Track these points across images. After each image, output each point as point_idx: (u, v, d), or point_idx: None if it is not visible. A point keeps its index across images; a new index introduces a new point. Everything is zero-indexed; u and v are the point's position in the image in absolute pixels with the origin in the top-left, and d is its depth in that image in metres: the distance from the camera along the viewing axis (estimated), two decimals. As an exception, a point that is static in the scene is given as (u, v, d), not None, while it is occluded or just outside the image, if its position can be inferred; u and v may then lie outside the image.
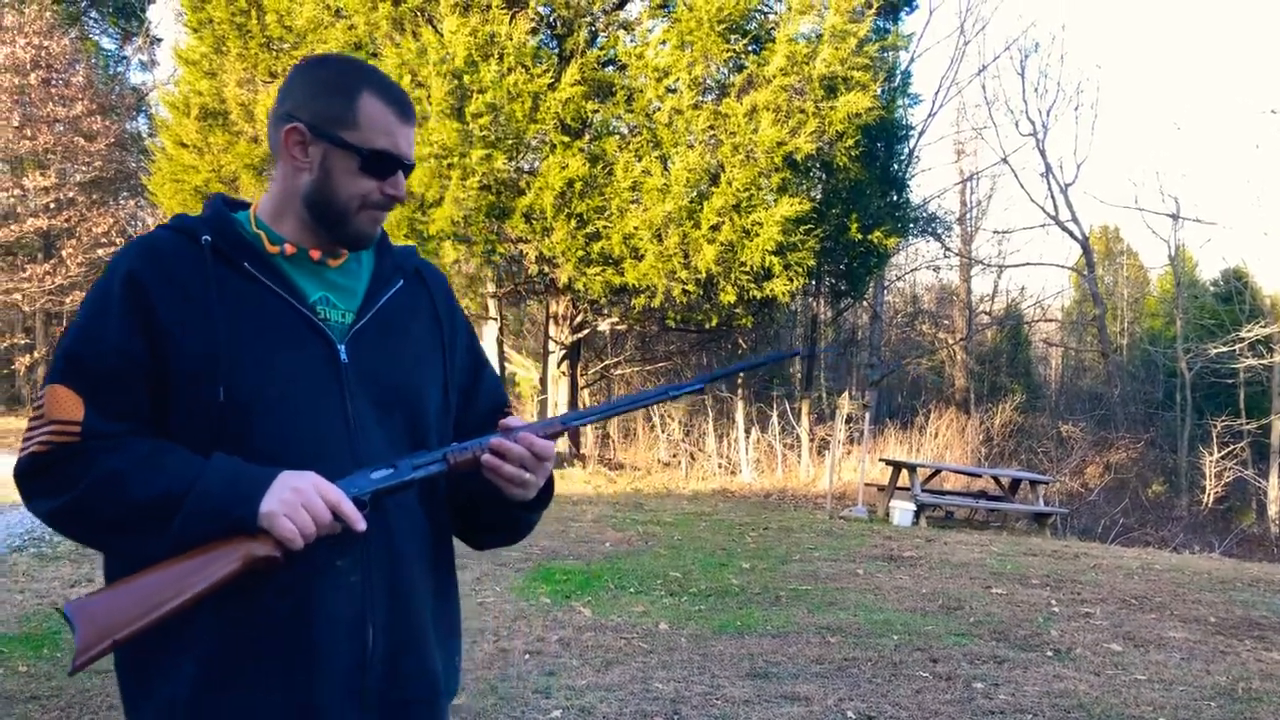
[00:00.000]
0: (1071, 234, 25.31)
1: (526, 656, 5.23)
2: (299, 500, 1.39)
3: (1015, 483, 13.62)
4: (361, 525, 1.43)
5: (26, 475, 1.44)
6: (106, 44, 27.95)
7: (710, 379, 1.76)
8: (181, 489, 1.38)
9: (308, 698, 1.45)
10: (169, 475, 1.39)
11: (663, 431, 17.21)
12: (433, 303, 1.72)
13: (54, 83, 21.52)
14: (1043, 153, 25.03)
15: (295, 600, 1.45)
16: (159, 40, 27.89)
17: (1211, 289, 29.41)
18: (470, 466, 1.54)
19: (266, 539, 1.39)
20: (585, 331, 15.77)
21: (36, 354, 21.81)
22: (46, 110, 21.12)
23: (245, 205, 1.63)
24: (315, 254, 1.58)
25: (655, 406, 17.74)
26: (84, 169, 22.30)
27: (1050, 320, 31.26)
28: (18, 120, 20.67)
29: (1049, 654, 5.72)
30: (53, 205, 21.20)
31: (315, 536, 1.41)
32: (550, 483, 1.68)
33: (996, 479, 13.86)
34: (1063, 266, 29.82)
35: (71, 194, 21.60)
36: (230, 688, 1.44)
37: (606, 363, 18.71)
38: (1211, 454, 21.16)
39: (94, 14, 27.36)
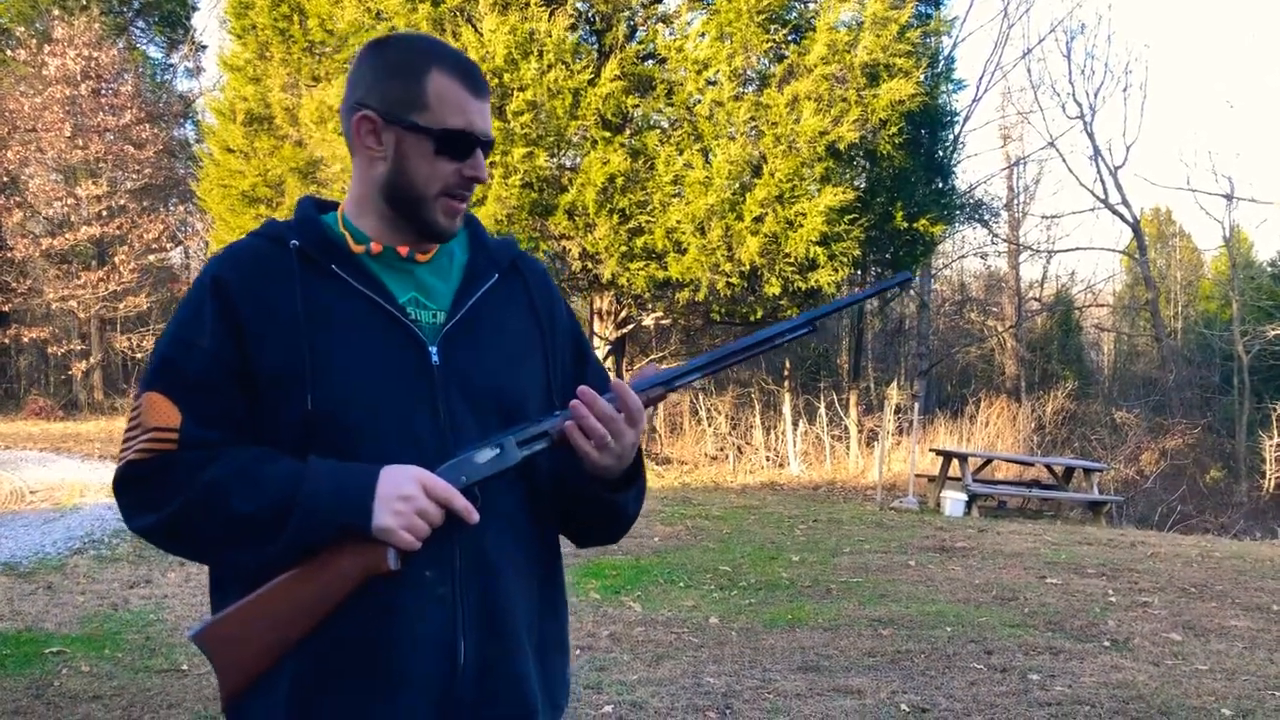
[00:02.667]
0: (1122, 217, 24.90)
1: (577, 652, 5.23)
2: (412, 509, 1.37)
3: (1069, 471, 13.42)
4: (475, 517, 1.40)
5: (126, 483, 1.43)
6: (153, 53, 28.41)
7: (818, 315, 1.62)
8: (285, 500, 1.35)
9: (394, 714, 1.41)
10: (271, 485, 1.37)
11: (709, 425, 17.17)
12: (530, 297, 1.63)
13: (104, 92, 21.93)
14: (1091, 135, 24.68)
15: (383, 614, 1.41)
16: (204, 47, 28.33)
17: (1269, 269, 28.74)
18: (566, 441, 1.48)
19: (380, 547, 1.37)
20: (630, 327, 15.77)
21: (92, 359, 22.21)
22: (97, 120, 21.53)
23: (334, 206, 1.59)
24: (403, 250, 1.53)
25: (701, 400, 17.74)
26: (134, 176, 22.70)
27: (1101, 305, 30.77)
28: (69, 130, 21.08)
29: (1106, 644, 5.63)
30: (105, 213, 21.62)
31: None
32: (640, 463, 1.58)
33: (1050, 467, 13.67)
34: (1113, 250, 29.37)
35: (122, 201, 22.01)
36: (320, 703, 1.41)
37: (652, 357, 18.69)
38: (1271, 438, 20.68)
39: (140, 24, 27.79)
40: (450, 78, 1.47)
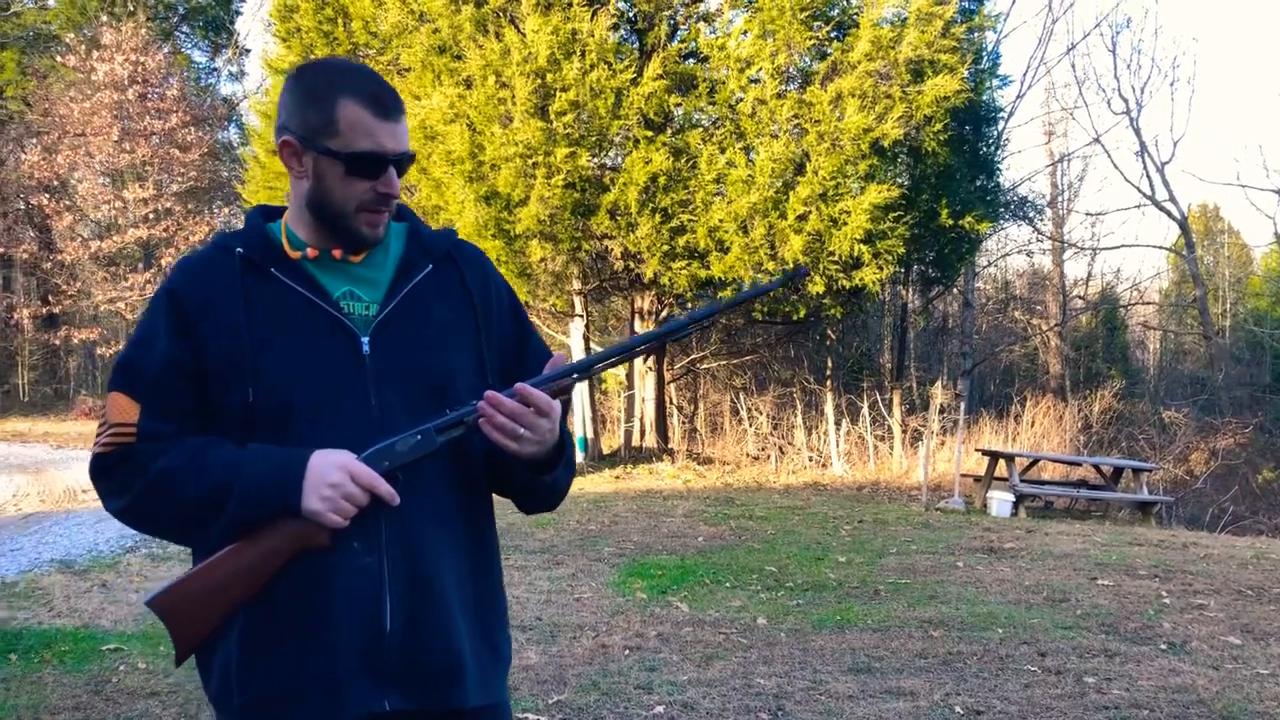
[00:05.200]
0: (1169, 213, 24.51)
1: (626, 652, 5.23)
2: (338, 494, 1.51)
3: (1117, 471, 13.24)
4: (396, 501, 1.54)
5: (95, 475, 1.60)
6: (198, 57, 28.81)
7: (714, 311, 1.82)
8: (225, 483, 1.51)
9: (329, 670, 1.56)
10: (213, 471, 1.53)
11: (750, 425, 17.11)
12: (463, 281, 1.74)
13: (150, 97, 22.23)
14: (1137, 131, 24.23)
15: (313, 582, 1.55)
16: (247, 51, 28.76)
17: (1321, 266, 28.22)
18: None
19: (314, 526, 1.53)
20: (671, 326, 15.73)
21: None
22: (144, 124, 21.83)
23: (281, 212, 1.72)
24: (337, 253, 1.66)
25: (742, 400, 17.68)
26: (180, 179, 23.02)
27: (1147, 303, 30.33)
28: (117, 134, 21.40)
29: (1162, 647, 5.53)
30: (151, 216, 21.92)
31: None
32: (564, 444, 1.70)
33: (1098, 467, 13.48)
34: (1160, 247, 28.94)
35: (168, 204, 22.30)
36: (265, 657, 1.57)
37: (693, 357, 18.67)
38: (1325, 438, 20.32)
39: (185, 28, 28.18)
40: (358, 104, 1.58)
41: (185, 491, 1.52)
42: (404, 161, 1.63)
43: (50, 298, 23.38)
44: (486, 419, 1.57)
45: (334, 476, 1.51)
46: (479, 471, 1.72)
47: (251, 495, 1.51)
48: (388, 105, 1.61)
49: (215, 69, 29.06)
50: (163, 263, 21.71)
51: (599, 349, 17.35)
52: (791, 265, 12.52)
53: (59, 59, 22.61)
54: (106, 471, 1.58)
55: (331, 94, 1.59)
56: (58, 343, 23.38)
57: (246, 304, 1.59)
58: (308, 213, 1.64)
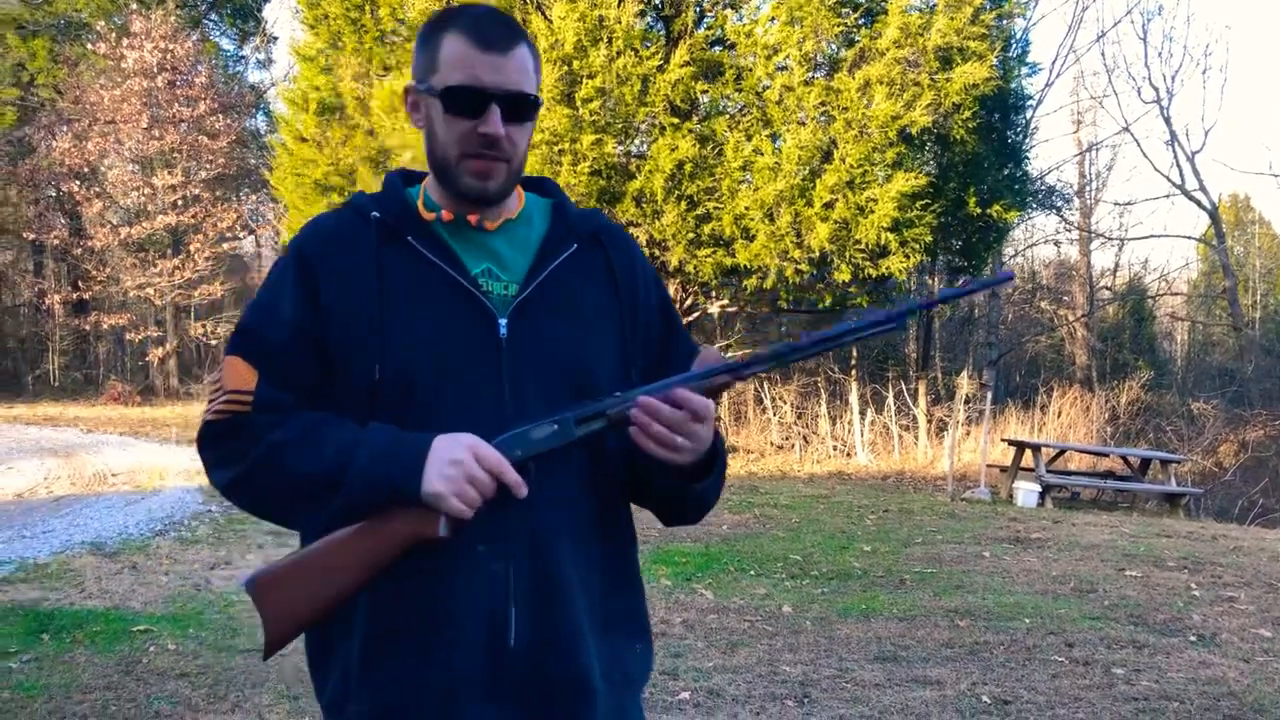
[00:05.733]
0: (1199, 203, 24.22)
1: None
2: (463, 475, 1.37)
3: (1145, 462, 13.13)
4: (524, 491, 1.40)
5: (204, 443, 1.50)
6: (225, 44, 28.94)
7: (906, 311, 1.49)
8: (340, 463, 1.39)
9: (447, 684, 1.45)
10: (329, 446, 1.41)
11: (774, 414, 17.07)
12: (610, 267, 1.60)
13: (179, 84, 22.36)
14: (1167, 120, 23.92)
15: (435, 587, 1.44)
16: (275, 39, 28.84)
17: (1354, 257, 27.86)
18: (625, 421, 1.44)
19: (432, 514, 1.39)
20: (695, 314, 15.72)
21: (168, 346, 22.70)
22: (173, 111, 21.97)
23: (422, 178, 1.61)
24: (472, 219, 1.54)
25: (766, 389, 17.64)
26: (208, 166, 23.17)
27: (1176, 294, 30.04)
28: (146, 122, 21.55)
29: (1192, 639, 5.50)
30: (180, 202, 22.08)
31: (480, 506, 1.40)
32: (718, 449, 1.55)
33: (1125, 459, 13.38)
34: (1189, 238, 28.61)
35: (197, 191, 22.46)
36: (384, 664, 1.46)
37: (717, 345, 18.62)
38: (1356, 430, 20.07)
39: (213, 16, 28.31)
40: (458, 36, 1.47)
41: (299, 467, 1.41)
42: (514, 101, 1.47)
43: (80, 283, 23.60)
44: (641, 428, 1.43)
45: (459, 454, 1.38)
46: (617, 472, 1.57)
47: (369, 474, 1.38)
48: (490, 37, 1.46)
49: (243, 56, 29.21)
50: (190, 249, 21.86)
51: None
52: (817, 253, 12.46)
53: (89, 47, 22.76)
54: (217, 440, 1.47)
55: (440, 30, 1.49)
56: (88, 328, 23.58)
57: (380, 273, 1.48)
58: (431, 168, 1.54)
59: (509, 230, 1.57)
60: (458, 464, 1.38)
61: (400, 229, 1.52)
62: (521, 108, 1.49)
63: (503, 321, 1.49)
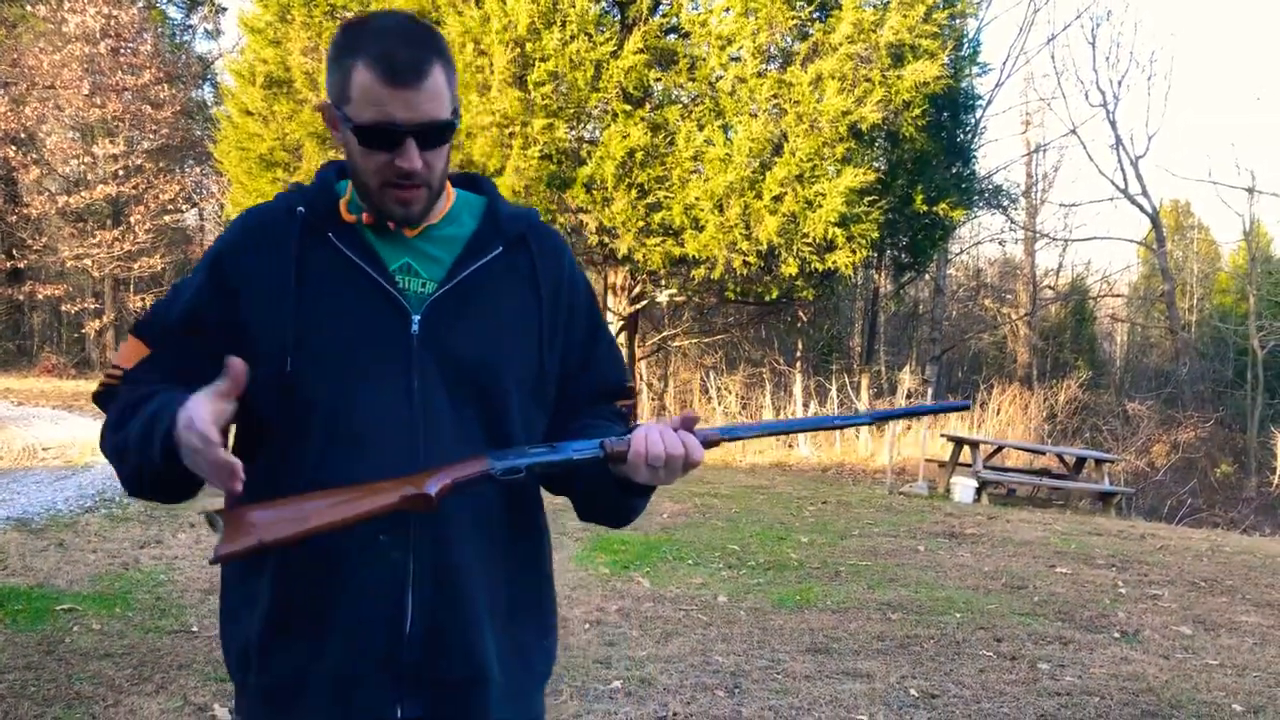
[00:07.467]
0: (1141, 208, 24.71)
1: (586, 626, 5.24)
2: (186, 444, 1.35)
3: (1080, 461, 13.37)
4: (238, 486, 1.32)
5: (98, 405, 1.57)
6: (173, 13, 28.26)
7: (885, 416, 1.78)
8: (150, 415, 1.42)
9: (344, 668, 1.48)
10: (148, 405, 1.43)
11: (719, 404, 17.15)
12: (534, 270, 1.60)
13: (123, 51, 21.85)
14: (1113, 124, 24.38)
15: (333, 571, 1.47)
16: (224, 9, 28.19)
17: (1288, 264, 28.55)
18: (621, 458, 1.48)
19: (420, 482, 1.41)
20: (644, 303, 15.74)
21: (105, 319, 22.25)
22: (115, 79, 21.46)
23: None
24: (390, 224, 1.53)
25: (712, 379, 17.72)
26: (151, 137, 22.70)
27: (1116, 296, 30.61)
28: (88, 88, 21.03)
29: (1116, 636, 5.61)
30: (121, 172, 21.59)
31: None
32: None
33: (1061, 457, 13.62)
34: (1131, 241, 29.26)
35: (139, 161, 21.97)
36: (282, 644, 1.50)
37: (664, 334, 18.67)
38: (1283, 434, 20.61)
39: (161, -17, 27.68)
40: (368, 69, 1.41)
41: (118, 433, 1.47)
42: (429, 131, 1.44)
43: (15, 251, 23.02)
44: (637, 461, 1.46)
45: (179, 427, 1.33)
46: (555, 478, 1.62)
47: (152, 425, 1.39)
48: (399, 68, 1.40)
49: (191, 26, 28.57)
50: (131, 220, 21.42)
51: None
52: (765, 245, 12.51)
53: (29, 8, 22.15)
54: (99, 406, 1.56)
55: (347, 56, 1.43)
56: (21, 298, 23.05)
57: (299, 268, 1.49)
58: (353, 184, 1.53)
59: (432, 231, 1.57)
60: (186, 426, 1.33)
61: (323, 226, 1.52)
62: (437, 133, 1.46)
63: (416, 318, 1.50)
